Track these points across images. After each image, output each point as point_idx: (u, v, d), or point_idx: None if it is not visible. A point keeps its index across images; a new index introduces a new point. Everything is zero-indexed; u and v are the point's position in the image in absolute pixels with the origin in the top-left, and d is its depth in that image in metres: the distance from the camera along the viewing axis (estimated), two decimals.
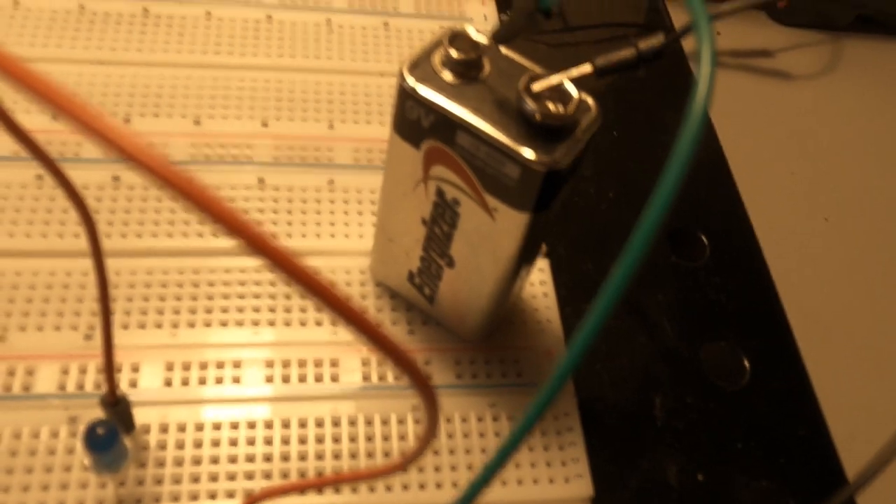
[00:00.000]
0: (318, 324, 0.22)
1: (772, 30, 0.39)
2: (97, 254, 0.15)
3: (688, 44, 0.33)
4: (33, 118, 0.25)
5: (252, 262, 0.23)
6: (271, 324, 0.22)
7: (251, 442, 0.20)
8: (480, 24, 0.31)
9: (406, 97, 0.17)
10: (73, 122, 0.08)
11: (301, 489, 0.18)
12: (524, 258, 0.20)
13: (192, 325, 0.22)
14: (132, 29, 0.28)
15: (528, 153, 0.16)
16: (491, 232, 0.19)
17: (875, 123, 0.37)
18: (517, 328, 0.23)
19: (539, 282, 0.24)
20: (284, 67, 0.28)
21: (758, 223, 0.29)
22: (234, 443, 0.20)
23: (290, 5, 0.30)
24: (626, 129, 0.30)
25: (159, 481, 0.19)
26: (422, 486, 0.20)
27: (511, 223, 0.18)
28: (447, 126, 0.17)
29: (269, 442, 0.20)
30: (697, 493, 0.22)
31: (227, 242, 0.23)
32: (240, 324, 0.22)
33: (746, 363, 0.25)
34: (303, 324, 0.22)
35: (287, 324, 0.22)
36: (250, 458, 0.20)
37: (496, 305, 0.21)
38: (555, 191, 0.17)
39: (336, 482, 0.18)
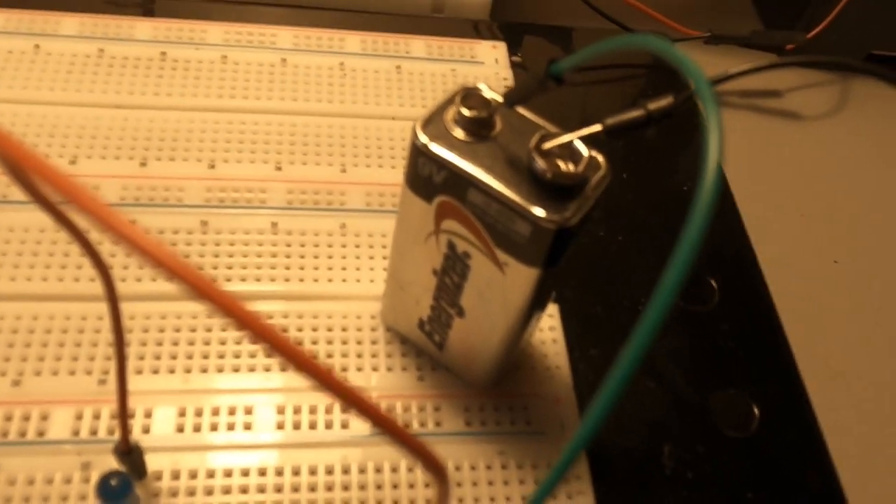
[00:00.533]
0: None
1: (780, 70, 0.39)
2: (113, 302, 0.16)
3: None
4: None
5: (264, 307, 0.23)
6: (283, 369, 0.22)
7: (262, 490, 0.20)
8: (491, 68, 0.32)
9: (419, 154, 0.18)
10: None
11: None
12: (534, 308, 0.20)
13: (204, 370, 0.22)
14: (149, 73, 0.28)
15: (539, 211, 0.17)
16: (501, 285, 0.19)
17: (885, 164, 0.37)
18: (526, 375, 0.23)
19: (548, 327, 0.24)
20: (298, 111, 0.28)
21: (766, 265, 0.29)
22: (244, 490, 0.20)
23: (305, 48, 0.30)
24: (635, 171, 0.30)
25: None
26: None
27: (521, 277, 0.18)
28: (459, 183, 0.18)
29: (279, 490, 0.20)
30: None
31: (239, 286, 0.24)
32: (251, 369, 0.22)
33: (756, 410, 0.25)
34: None
35: None
36: None
37: (506, 353, 0.21)
38: (564, 247, 0.18)
39: None
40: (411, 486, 0.21)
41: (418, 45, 0.31)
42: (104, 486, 0.17)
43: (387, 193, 0.27)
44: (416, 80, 0.30)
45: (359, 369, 0.23)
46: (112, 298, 0.16)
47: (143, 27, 0.29)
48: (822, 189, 0.35)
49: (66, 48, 0.28)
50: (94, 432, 0.20)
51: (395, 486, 0.21)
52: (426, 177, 0.18)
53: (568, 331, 0.25)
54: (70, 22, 0.29)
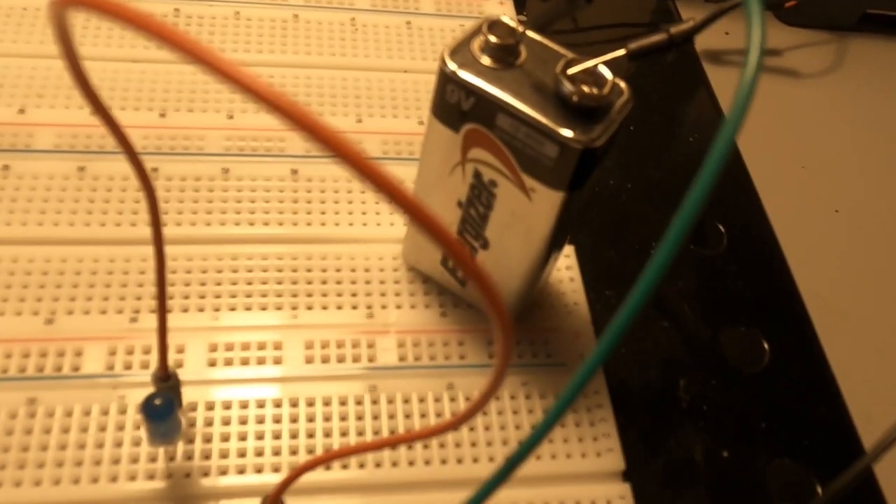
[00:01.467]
0: (354, 307, 0.23)
1: (779, 30, 0.40)
2: (158, 237, 0.16)
3: (699, 42, 0.34)
4: (73, 113, 0.25)
5: (287, 248, 0.24)
6: (309, 307, 0.23)
7: (294, 419, 0.21)
8: None
9: (447, 81, 0.18)
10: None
11: (344, 455, 0.19)
12: (556, 240, 0.20)
13: (232, 308, 0.22)
14: None
15: (567, 132, 0.17)
16: (526, 212, 0.19)
17: (880, 119, 0.38)
18: (546, 311, 0.24)
19: (566, 267, 0.25)
20: (312, 65, 0.29)
21: (772, 214, 0.30)
22: (277, 420, 0.21)
23: (315, 5, 0.31)
24: (642, 124, 0.31)
25: (207, 456, 0.20)
26: (459, 461, 0.21)
27: (547, 202, 0.19)
28: (487, 108, 0.18)
29: (311, 419, 0.21)
30: (723, 470, 0.23)
31: (261, 230, 0.24)
32: (279, 308, 0.23)
33: (766, 346, 0.26)
34: (339, 307, 0.23)
35: (324, 307, 0.23)
36: (294, 434, 0.20)
37: (528, 287, 0.22)
38: (590, 169, 0.18)
39: (384, 444, 0.19)
40: (438, 414, 0.21)
41: (427, 1, 0.32)
42: (149, 405, 0.17)
43: (402, 142, 0.27)
44: (426, 35, 0.31)
45: (383, 307, 0.23)
46: (157, 234, 0.16)
47: None
48: (821, 144, 0.36)
49: None
50: (128, 367, 0.21)
51: (423, 416, 0.21)
52: (454, 105, 0.19)
53: (584, 272, 0.25)
54: None
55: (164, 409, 0.17)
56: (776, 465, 0.23)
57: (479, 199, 0.20)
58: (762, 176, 0.31)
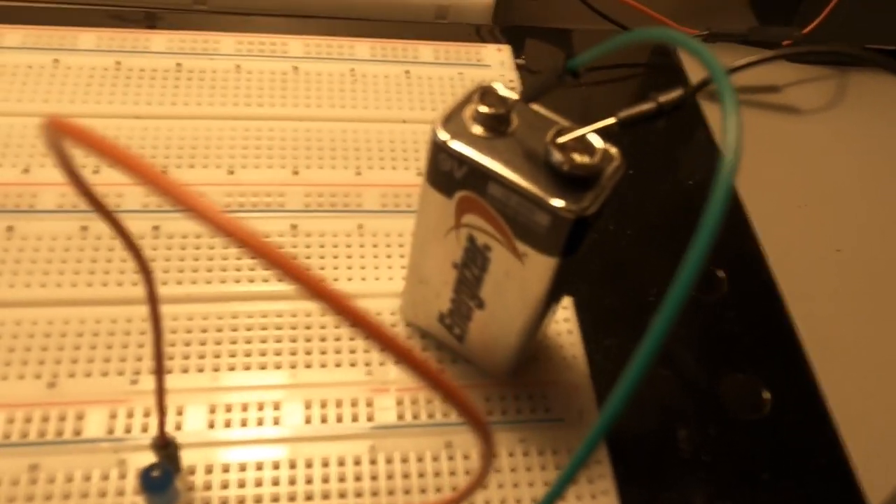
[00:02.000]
0: (353, 364, 0.23)
1: (778, 66, 0.40)
2: (153, 300, 0.16)
3: (695, 80, 0.34)
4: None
5: (287, 306, 0.24)
6: (308, 366, 0.23)
7: (292, 481, 0.21)
8: (497, 70, 0.32)
9: (439, 150, 0.19)
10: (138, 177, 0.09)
11: None
12: (552, 298, 0.21)
13: (232, 368, 0.23)
14: (166, 84, 0.29)
15: (558, 202, 0.17)
16: (521, 275, 0.20)
17: (881, 155, 0.38)
18: (544, 364, 0.24)
19: (563, 319, 0.25)
20: (312, 117, 0.29)
21: (772, 255, 0.30)
22: (276, 482, 0.21)
23: (315, 56, 0.31)
24: (641, 168, 0.31)
25: None
26: None
27: (540, 267, 0.19)
28: (479, 177, 0.18)
29: (309, 481, 0.21)
30: None
31: (261, 287, 0.24)
32: (278, 366, 0.23)
33: (766, 394, 0.26)
34: (338, 365, 0.23)
35: (323, 365, 0.23)
36: (292, 498, 0.20)
37: (524, 343, 0.22)
38: (582, 236, 0.18)
39: None
40: (436, 474, 0.21)
41: (426, 50, 0.32)
42: (146, 478, 0.17)
43: (401, 194, 0.27)
44: (424, 83, 0.31)
45: (381, 364, 0.23)
46: (152, 296, 0.16)
47: (159, 40, 0.30)
48: (821, 181, 0.36)
49: (84, 62, 0.29)
50: (128, 430, 0.21)
51: (421, 475, 0.21)
52: (446, 173, 0.19)
53: (582, 322, 0.25)
54: (87, 37, 0.30)
55: (162, 481, 0.17)
56: None
57: (474, 261, 0.20)
58: (761, 214, 0.31)
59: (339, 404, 0.22)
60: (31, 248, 0.24)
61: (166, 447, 0.19)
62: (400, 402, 0.23)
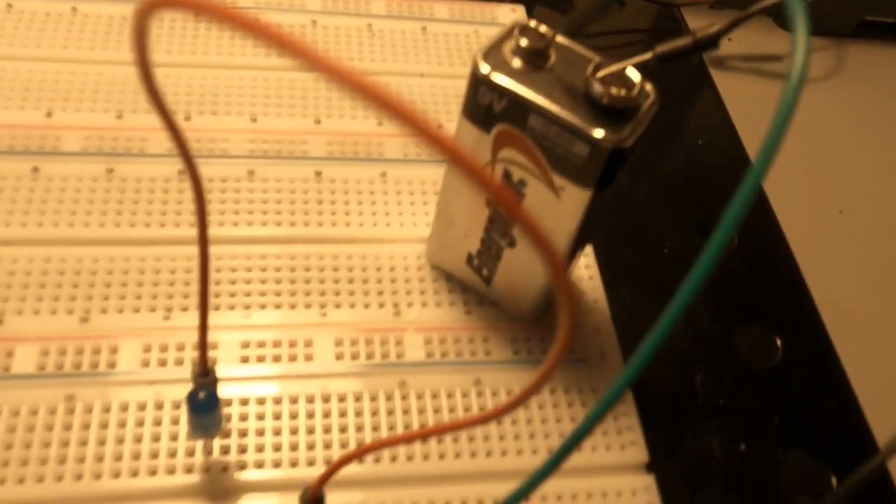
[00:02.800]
0: (381, 305, 0.23)
1: (778, 35, 0.41)
2: (203, 236, 0.16)
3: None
4: (99, 116, 0.26)
5: (315, 249, 0.24)
6: (337, 306, 0.23)
7: (326, 414, 0.21)
8: None
9: (479, 83, 0.19)
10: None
11: (379, 448, 0.19)
12: (581, 237, 0.21)
13: (263, 306, 0.23)
14: (185, 34, 0.29)
15: (598, 132, 0.18)
16: (555, 210, 0.20)
17: (878, 123, 0.39)
18: None
19: (584, 265, 0.26)
20: None
21: (779, 216, 0.31)
22: (310, 415, 0.21)
23: (333, 11, 0.31)
24: (654, 130, 0.32)
25: (243, 450, 0.20)
26: (488, 454, 0.21)
27: (575, 201, 0.20)
28: (519, 110, 0.19)
29: (343, 414, 0.21)
30: (741, 462, 0.23)
31: (289, 230, 0.24)
32: (308, 306, 0.23)
33: (778, 343, 0.26)
34: (366, 306, 0.23)
35: (352, 306, 0.23)
36: (327, 429, 0.21)
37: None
38: (617, 168, 0.19)
39: (424, 435, 0.20)
40: (466, 409, 0.22)
41: (441, 8, 0.32)
42: (194, 400, 0.17)
43: (422, 144, 0.28)
44: (441, 40, 0.31)
45: (409, 305, 0.24)
46: (203, 235, 0.16)
47: None
48: (822, 146, 0.37)
49: (102, 10, 0.29)
50: (162, 364, 0.21)
51: (451, 410, 0.22)
52: (485, 106, 0.19)
53: (603, 271, 0.26)
54: None
55: (208, 403, 0.18)
56: (791, 458, 0.24)
57: None
58: (768, 179, 0.32)
59: (368, 342, 0.23)
60: (58, 189, 0.24)
61: (207, 375, 0.19)
62: (428, 342, 0.23)
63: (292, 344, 0.22)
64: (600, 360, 0.24)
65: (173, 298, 0.22)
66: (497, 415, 0.15)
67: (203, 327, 0.18)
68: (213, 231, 0.24)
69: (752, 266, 0.28)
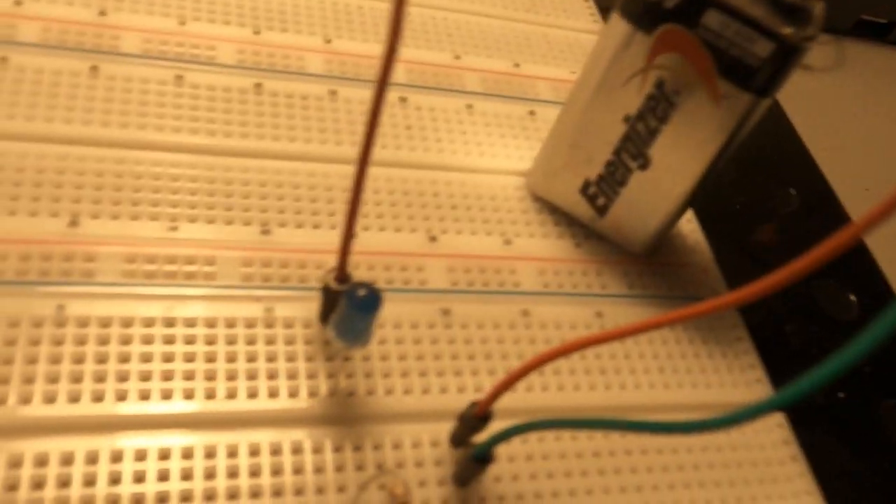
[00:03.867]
0: (489, 234, 0.22)
1: None
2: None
3: None
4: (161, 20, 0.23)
5: (413, 173, 0.22)
6: (444, 232, 0.21)
7: (469, 341, 0.19)
8: None
9: None
10: None
11: (550, 359, 0.18)
12: (721, 157, 0.20)
13: (366, 228, 0.21)
14: None
15: (786, 29, 0.17)
16: (706, 122, 0.19)
17: (874, 118, 0.40)
18: (672, 248, 0.23)
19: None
20: (413, 3, 0.27)
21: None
22: (451, 341, 0.19)
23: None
24: None
25: (387, 374, 0.18)
26: (591, 388, 0.19)
27: (734, 109, 0.19)
28: (696, 5, 0.18)
29: (475, 342, 0.19)
30: (842, 408, 0.23)
31: (381, 153, 0.22)
32: (413, 230, 0.21)
33: (853, 298, 0.26)
34: (473, 233, 0.21)
35: (458, 232, 0.21)
36: (471, 356, 0.19)
37: (678, 212, 0.21)
38: (787, 72, 0.18)
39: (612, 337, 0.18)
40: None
41: None
42: (354, 297, 0.15)
43: (501, 81, 0.26)
44: None
45: (517, 236, 0.22)
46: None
47: None
48: (823, 137, 0.38)
49: None
50: (266, 279, 0.19)
51: None
52: (653, 3, 0.18)
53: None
54: None
55: (371, 300, 0.15)
56: (888, 403, 0.24)
57: (654, 112, 0.19)
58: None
59: (482, 270, 0.21)
60: (122, 90, 0.21)
61: (346, 282, 0.17)
62: (542, 272, 0.21)
63: (403, 268, 0.20)
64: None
65: (269, 213, 0.20)
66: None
67: (348, 232, 0.16)
68: (298, 147, 0.22)
69: (817, 229, 0.28)
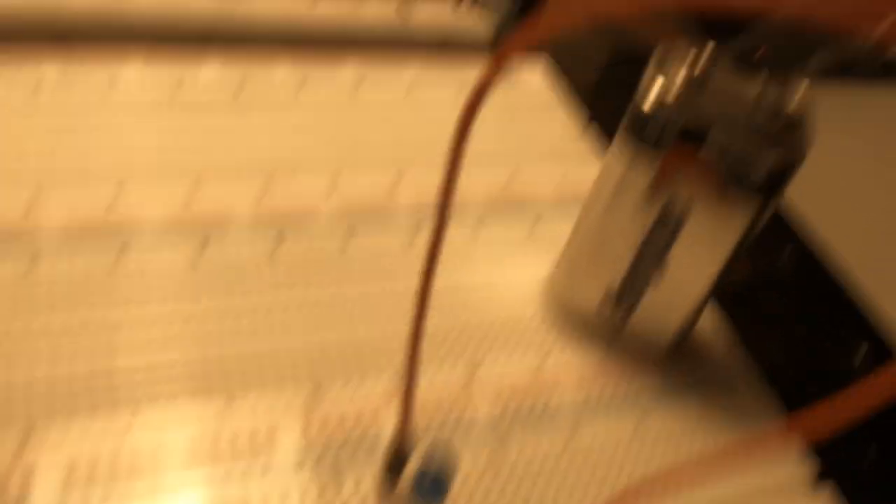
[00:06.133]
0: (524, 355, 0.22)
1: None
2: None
3: None
4: None
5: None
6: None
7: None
8: None
9: (656, 106, 0.19)
10: None
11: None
12: (738, 253, 0.21)
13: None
14: None
15: (787, 141, 0.18)
16: (719, 226, 0.20)
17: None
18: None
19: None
20: None
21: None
22: None
23: None
24: None
25: None
26: None
27: (746, 211, 0.19)
28: (700, 123, 0.18)
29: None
30: None
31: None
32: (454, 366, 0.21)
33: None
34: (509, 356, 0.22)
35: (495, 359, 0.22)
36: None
37: (697, 312, 0.22)
38: (789, 177, 0.19)
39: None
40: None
41: None
42: (422, 485, 0.15)
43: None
44: None
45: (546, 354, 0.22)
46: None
47: None
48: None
49: None
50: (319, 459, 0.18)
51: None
52: (660, 123, 0.19)
53: None
54: None
55: (439, 485, 0.15)
56: None
57: (667, 223, 0.20)
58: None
59: (523, 395, 0.21)
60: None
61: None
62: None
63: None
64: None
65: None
66: None
67: (409, 394, 0.16)
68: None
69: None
